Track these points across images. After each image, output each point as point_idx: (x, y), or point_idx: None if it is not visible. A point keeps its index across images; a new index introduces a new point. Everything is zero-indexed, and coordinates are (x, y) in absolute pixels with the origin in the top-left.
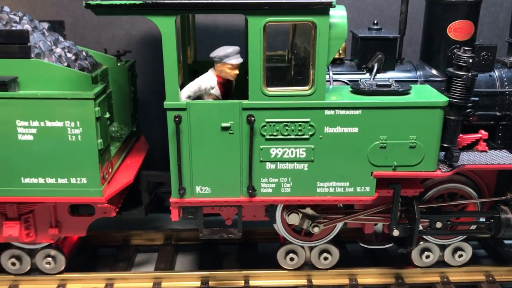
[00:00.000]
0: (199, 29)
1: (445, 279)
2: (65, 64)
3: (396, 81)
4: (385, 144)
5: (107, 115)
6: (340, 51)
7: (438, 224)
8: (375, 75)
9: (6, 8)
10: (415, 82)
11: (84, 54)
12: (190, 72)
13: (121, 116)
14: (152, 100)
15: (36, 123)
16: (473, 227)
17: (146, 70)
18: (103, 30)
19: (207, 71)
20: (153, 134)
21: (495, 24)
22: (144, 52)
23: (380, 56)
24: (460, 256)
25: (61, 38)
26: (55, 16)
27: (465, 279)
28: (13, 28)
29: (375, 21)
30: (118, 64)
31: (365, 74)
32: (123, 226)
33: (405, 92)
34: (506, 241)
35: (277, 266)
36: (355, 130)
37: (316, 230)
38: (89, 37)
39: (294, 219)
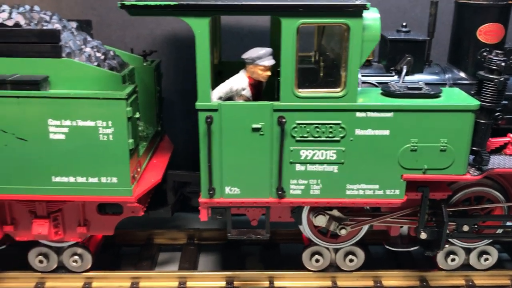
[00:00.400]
0: (223, 30)
1: (470, 283)
2: (95, 63)
3: (425, 83)
4: (416, 147)
5: (137, 115)
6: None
7: (465, 228)
8: (404, 77)
9: (37, 7)
10: (443, 85)
11: (112, 53)
12: (215, 73)
13: (146, 116)
14: (175, 99)
15: (67, 123)
16: (500, 231)
17: (169, 69)
18: (127, 29)
19: (231, 71)
20: (176, 133)
21: None
22: (167, 52)
23: (409, 58)
24: (486, 259)
25: (89, 38)
26: (80, 15)
27: (490, 283)
28: (44, 28)
29: (404, 24)
30: (144, 64)
31: (393, 76)
32: (146, 225)
33: (436, 95)
34: None
35: (300, 267)
36: (386, 132)
37: (343, 232)
38: (113, 37)
39: (321, 220)
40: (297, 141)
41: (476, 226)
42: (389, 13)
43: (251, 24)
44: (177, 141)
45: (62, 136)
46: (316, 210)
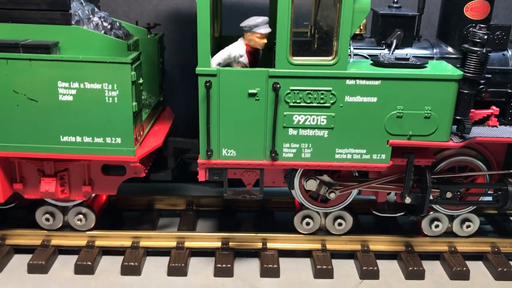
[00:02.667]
0: (224, 7)
1: (453, 249)
2: (102, 32)
3: (414, 56)
4: (401, 114)
5: (141, 81)
6: (361, 27)
7: (449, 194)
8: (394, 50)
9: None
10: (431, 58)
11: (118, 24)
12: (215, 45)
13: (150, 86)
14: (177, 73)
15: (76, 85)
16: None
17: (172, 44)
18: (132, 4)
19: None
20: (178, 105)
21: (510, 9)
22: (170, 27)
23: (399, 32)
24: (468, 227)
25: (96, 9)
26: None
27: (472, 249)
28: None
29: (395, 0)
30: (148, 36)
31: (384, 49)
32: (147, 192)
33: (422, 66)
34: None
35: (293, 232)
36: (374, 99)
37: (332, 196)
38: (119, 11)
39: (311, 185)
40: (290, 106)
41: (459, 193)
42: None
43: (251, 1)
44: (178, 112)
45: (70, 98)
46: (308, 175)
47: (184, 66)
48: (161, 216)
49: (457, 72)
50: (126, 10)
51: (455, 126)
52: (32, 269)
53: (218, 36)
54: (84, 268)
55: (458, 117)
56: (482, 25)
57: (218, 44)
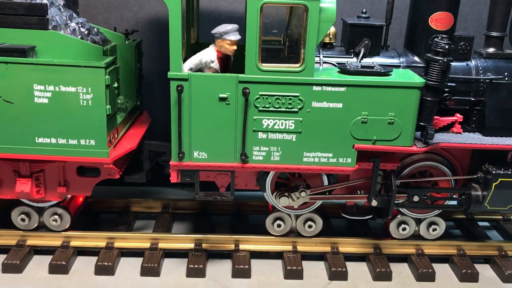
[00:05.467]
0: (202, 15)
1: (420, 251)
2: (79, 37)
3: (380, 65)
4: (366, 119)
5: (115, 85)
6: (331, 36)
7: (416, 198)
8: (361, 58)
9: None
10: (397, 67)
11: (95, 30)
12: (192, 52)
13: (127, 90)
14: (156, 79)
15: (51, 88)
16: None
17: (152, 51)
18: (112, 11)
19: None
20: (156, 109)
21: (479, 21)
22: (150, 34)
23: (366, 42)
24: (434, 230)
25: (75, 15)
26: None
27: (438, 252)
28: (33, 2)
29: (364, 10)
30: (126, 42)
31: (352, 58)
32: (124, 195)
33: (386, 74)
34: (480, 222)
35: (266, 234)
36: (340, 105)
37: (303, 194)
38: (99, 18)
39: (284, 201)
40: (260, 111)
41: (425, 197)
42: (358, 3)
43: (228, 10)
44: (157, 116)
45: (45, 100)
46: (278, 192)
47: (162, 71)
48: (138, 218)
49: (419, 80)
50: (106, 17)
51: (420, 132)
52: (7, 268)
53: (194, 42)
54: (59, 268)
55: (421, 123)
56: (444, 36)
57: (195, 51)
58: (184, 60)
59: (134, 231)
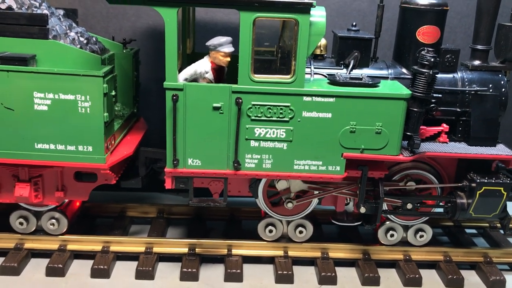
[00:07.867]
0: (198, 25)
1: (408, 257)
2: (78, 46)
3: (368, 76)
4: (354, 129)
5: (113, 93)
6: (322, 48)
7: (409, 206)
8: (351, 70)
9: None
10: (386, 78)
11: (94, 39)
12: (188, 62)
13: (124, 98)
14: (153, 87)
15: (51, 95)
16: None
17: (149, 60)
18: (111, 21)
19: None
20: (153, 117)
21: (468, 33)
22: (147, 44)
23: (356, 54)
24: (421, 236)
25: (74, 24)
26: (68, 6)
27: (425, 258)
28: (34, 12)
29: (354, 23)
30: (124, 50)
31: (342, 69)
32: (120, 200)
33: (374, 85)
34: (467, 230)
35: (259, 240)
36: (329, 115)
37: (289, 205)
38: (98, 27)
39: (283, 184)
40: (252, 120)
41: (418, 204)
42: (349, 16)
43: (224, 21)
44: (154, 123)
45: (45, 108)
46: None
47: (159, 80)
48: (133, 223)
49: (406, 92)
50: (104, 26)
51: (406, 142)
52: (4, 271)
53: (191, 53)
54: (55, 271)
55: (408, 133)
56: (430, 49)
57: (191, 61)
58: (180, 70)
59: (130, 235)
